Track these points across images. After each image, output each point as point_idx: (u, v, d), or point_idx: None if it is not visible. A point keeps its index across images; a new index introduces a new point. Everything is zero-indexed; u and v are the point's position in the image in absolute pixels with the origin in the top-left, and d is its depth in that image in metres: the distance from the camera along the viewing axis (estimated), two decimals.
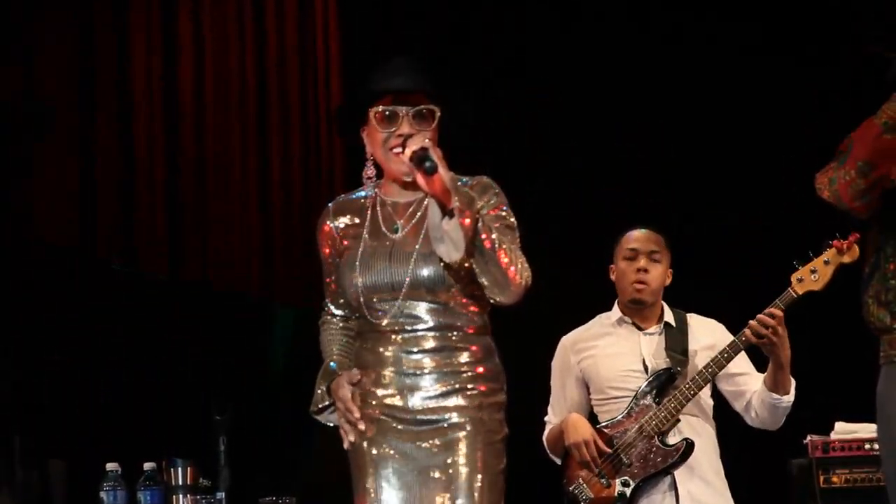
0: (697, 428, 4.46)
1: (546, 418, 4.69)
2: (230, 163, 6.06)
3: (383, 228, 3.38)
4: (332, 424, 3.42)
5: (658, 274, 4.52)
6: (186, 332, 4.62)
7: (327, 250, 3.46)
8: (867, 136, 3.61)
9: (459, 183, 3.24)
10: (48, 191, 5.69)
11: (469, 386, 3.30)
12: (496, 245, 3.21)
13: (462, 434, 3.28)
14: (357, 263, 3.34)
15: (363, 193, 3.47)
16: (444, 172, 3.15)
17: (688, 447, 4.37)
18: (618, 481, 4.41)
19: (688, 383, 4.39)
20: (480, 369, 3.33)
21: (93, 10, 5.89)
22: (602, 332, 4.61)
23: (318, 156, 6.24)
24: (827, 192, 3.71)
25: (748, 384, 4.50)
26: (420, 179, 3.18)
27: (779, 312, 4.31)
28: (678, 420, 4.41)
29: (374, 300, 3.32)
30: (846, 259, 4.32)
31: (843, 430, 4.95)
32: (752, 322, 4.34)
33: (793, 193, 5.26)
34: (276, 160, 6.15)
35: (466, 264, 3.24)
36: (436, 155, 3.17)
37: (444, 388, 3.29)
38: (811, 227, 4.28)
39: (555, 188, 6.15)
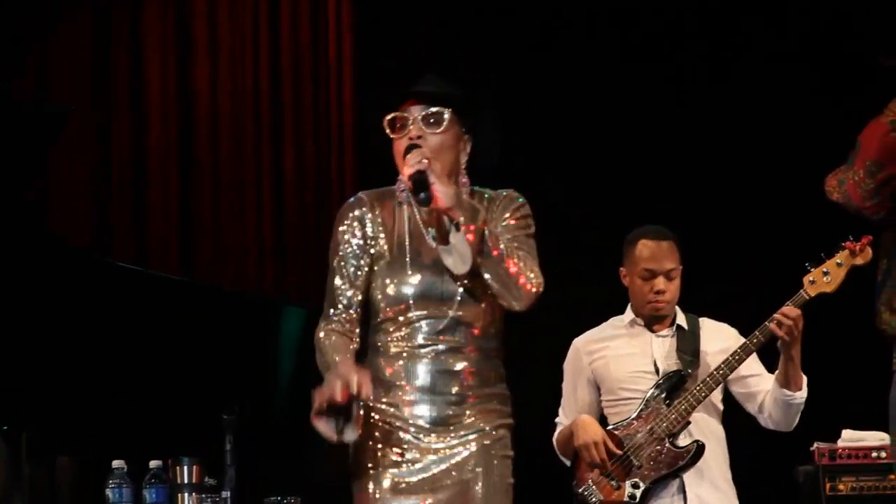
0: (707, 432, 4.46)
1: (557, 419, 4.69)
2: (243, 164, 6.08)
3: (424, 232, 3.36)
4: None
5: (675, 288, 4.51)
6: (194, 331, 4.63)
7: (357, 234, 3.37)
8: (874, 136, 3.60)
9: (486, 195, 3.34)
10: (62, 192, 5.71)
11: (481, 405, 3.32)
12: (504, 253, 3.24)
13: (473, 448, 3.29)
14: (408, 267, 3.33)
15: (396, 191, 3.43)
16: (441, 192, 3.18)
17: (698, 449, 4.37)
18: (628, 483, 4.40)
19: (699, 385, 4.39)
20: (493, 390, 3.35)
21: (109, 13, 5.93)
22: (614, 333, 4.61)
23: (330, 159, 6.26)
24: (837, 195, 3.71)
25: (760, 385, 4.50)
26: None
27: (797, 310, 4.30)
28: (689, 422, 4.41)
29: (414, 309, 3.30)
30: (859, 261, 4.31)
31: (851, 438, 4.95)
32: (776, 316, 4.31)
33: (804, 194, 5.28)
34: (290, 163, 6.17)
35: (481, 280, 3.27)
36: (433, 174, 3.19)
37: (456, 408, 3.30)
38: (823, 228, 4.28)
39: (567, 188, 6.15)
